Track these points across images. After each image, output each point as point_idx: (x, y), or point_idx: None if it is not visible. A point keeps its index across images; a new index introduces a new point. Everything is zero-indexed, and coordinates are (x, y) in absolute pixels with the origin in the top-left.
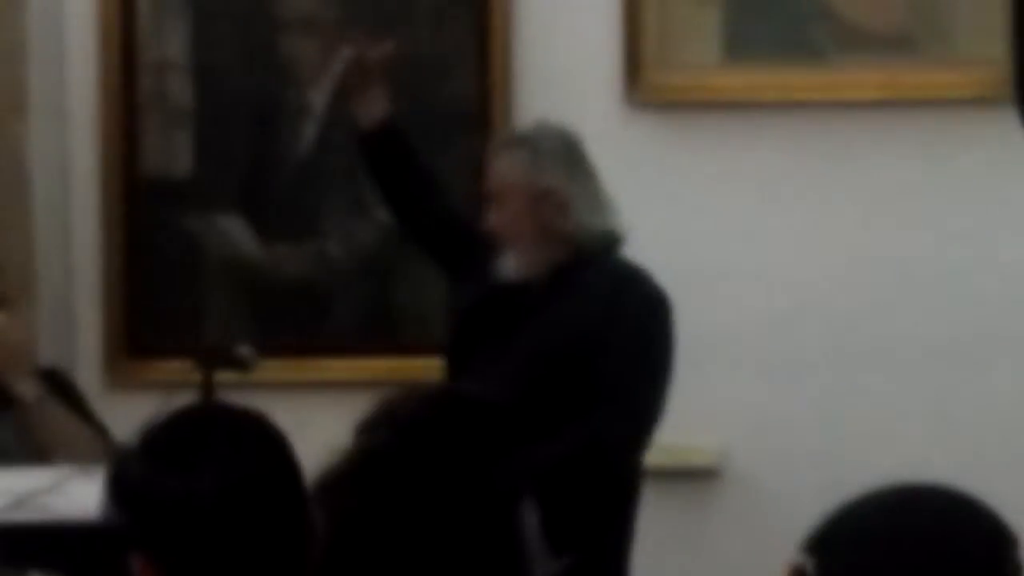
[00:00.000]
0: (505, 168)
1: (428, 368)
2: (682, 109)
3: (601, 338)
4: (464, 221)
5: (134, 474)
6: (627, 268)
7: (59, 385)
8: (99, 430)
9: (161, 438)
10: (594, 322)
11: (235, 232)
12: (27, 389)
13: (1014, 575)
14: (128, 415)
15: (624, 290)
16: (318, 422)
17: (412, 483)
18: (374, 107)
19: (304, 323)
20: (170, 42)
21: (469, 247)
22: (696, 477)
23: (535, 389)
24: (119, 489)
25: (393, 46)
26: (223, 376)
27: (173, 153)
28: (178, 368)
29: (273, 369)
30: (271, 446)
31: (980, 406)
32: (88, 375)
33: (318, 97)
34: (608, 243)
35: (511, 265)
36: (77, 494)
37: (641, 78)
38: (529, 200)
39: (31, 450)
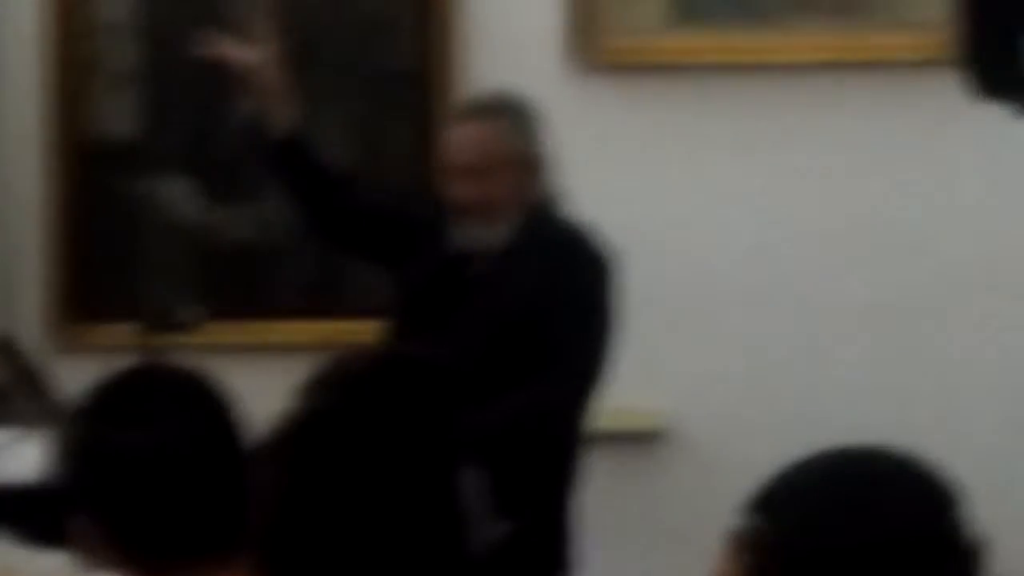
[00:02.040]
0: (490, 139)
1: (373, 331)
2: (630, 72)
3: (545, 300)
4: (390, 210)
5: (77, 433)
6: (570, 228)
7: (10, 354)
8: (45, 395)
9: (104, 398)
10: (538, 284)
11: (179, 195)
12: None
13: (955, 535)
14: (72, 379)
15: (567, 251)
16: (263, 385)
17: (355, 442)
18: (281, 117)
19: (249, 286)
20: (114, 4)
21: (401, 235)
22: (642, 440)
23: (483, 353)
24: (62, 449)
25: (274, 44)
26: (167, 339)
27: (117, 115)
28: (122, 331)
29: (217, 332)
30: (212, 406)
31: (929, 365)
32: (31, 339)
33: None
34: (553, 202)
35: (482, 235)
36: (21, 456)
37: (589, 40)
38: (520, 171)
39: None
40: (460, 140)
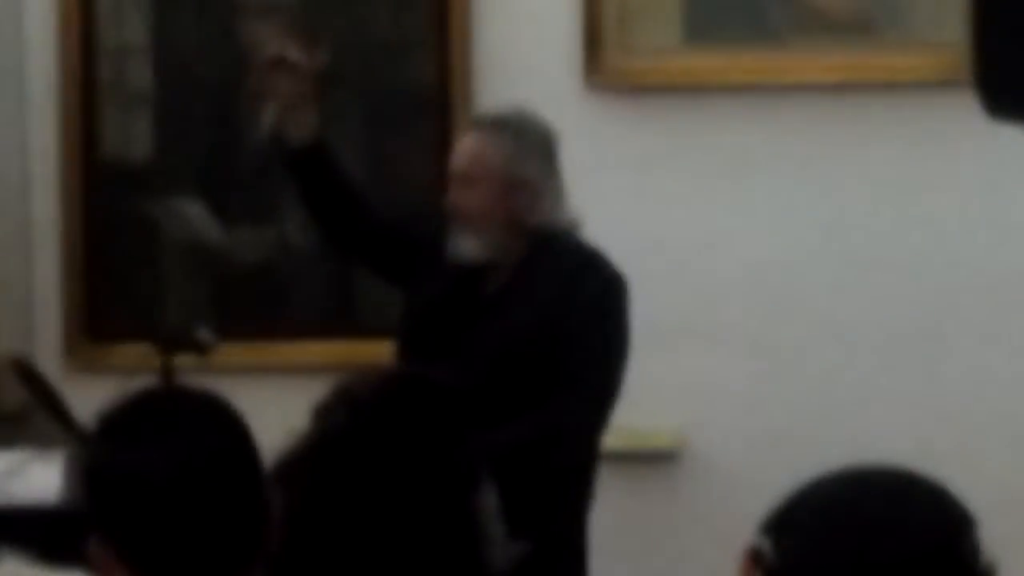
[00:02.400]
0: (484, 151)
1: (387, 352)
2: (642, 92)
3: (559, 324)
4: (399, 227)
5: (92, 454)
6: (583, 251)
7: (28, 374)
8: (63, 415)
9: (119, 419)
10: (552, 308)
11: (194, 216)
12: None
13: (971, 558)
14: (88, 399)
15: (580, 274)
16: (277, 406)
17: (369, 464)
18: (304, 125)
19: (263, 307)
20: (130, 26)
21: (409, 253)
22: (654, 460)
23: (496, 376)
24: (78, 471)
25: (324, 57)
26: (182, 360)
27: (133, 137)
28: (138, 352)
29: (232, 353)
30: (229, 427)
31: (942, 388)
32: (47, 359)
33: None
34: (565, 231)
35: (467, 246)
36: (36, 478)
37: (601, 61)
38: (504, 187)
39: None
40: (459, 147)
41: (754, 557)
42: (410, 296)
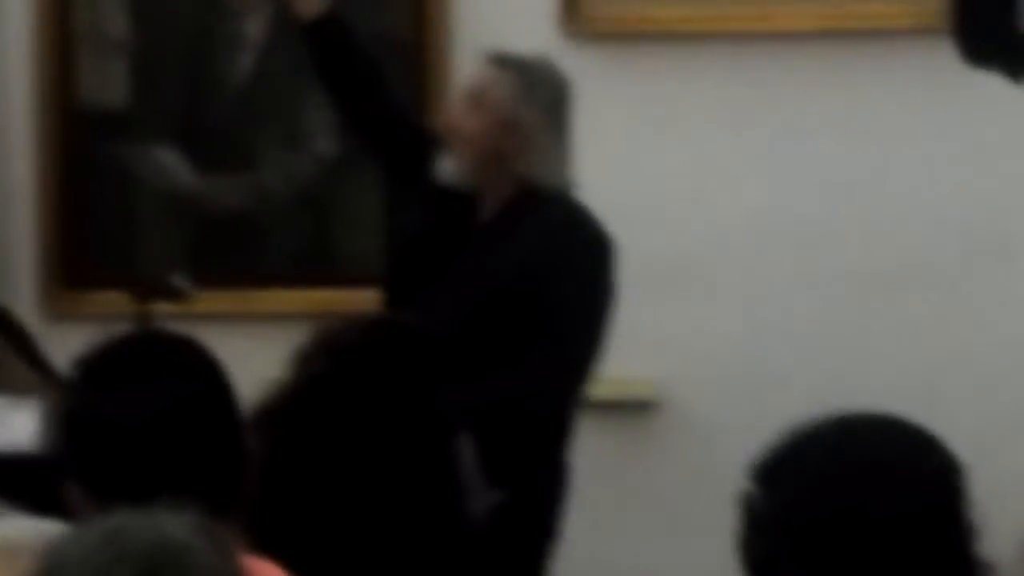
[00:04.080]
0: (492, 80)
1: (365, 300)
2: (620, 40)
3: (545, 279)
4: (410, 119)
5: (70, 400)
6: (573, 209)
7: (4, 321)
8: (39, 363)
9: (96, 364)
10: (538, 262)
11: (171, 163)
12: None
13: (958, 502)
14: (64, 347)
15: (569, 232)
16: (254, 354)
17: (349, 411)
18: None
19: (240, 255)
20: None
21: (413, 146)
22: (635, 409)
23: (476, 323)
24: (55, 416)
25: None
26: (159, 307)
27: (108, 84)
28: (114, 299)
29: (209, 301)
30: (205, 372)
31: (922, 336)
32: (24, 307)
33: (254, 27)
34: (558, 190)
35: (451, 168)
36: (11, 426)
37: (578, 9)
38: (497, 121)
39: None
40: (472, 74)
41: (739, 505)
42: (397, 215)
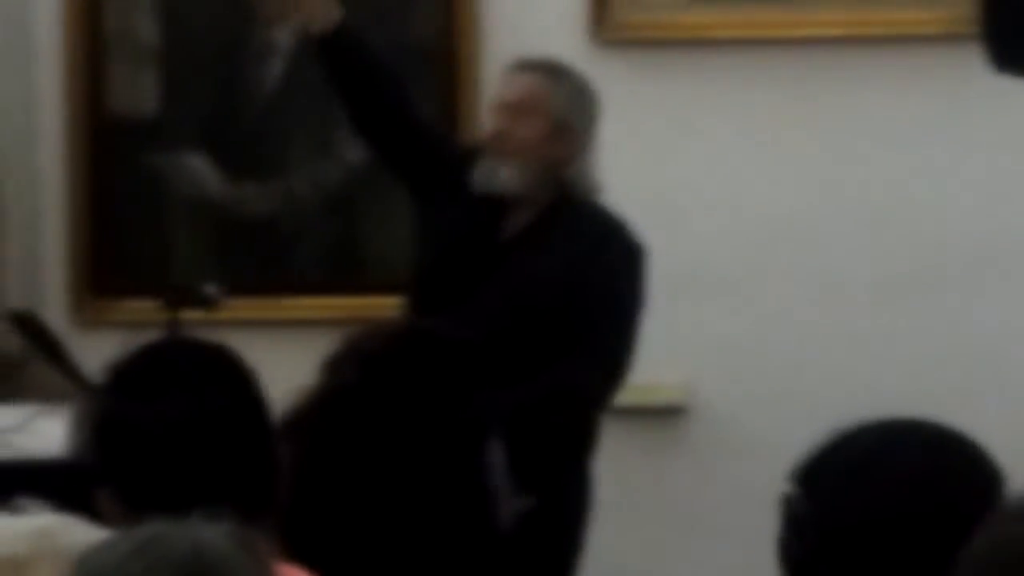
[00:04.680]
0: (545, 89)
1: (393, 306)
2: (649, 47)
3: (579, 287)
4: (433, 131)
5: (102, 407)
6: (607, 217)
7: (33, 328)
8: (71, 371)
9: (128, 371)
10: (573, 270)
11: (200, 170)
12: None
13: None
14: (94, 354)
15: (604, 239)
16: (283, 360)
17: (379, 419)
18: (324, 11)
19: (269, 262)
20: None
21: (436, 160)
22: (661, 414)
23: (512, 332)
24: (87, 424)
25: None
26: (189, 314)
27: (139, 91)
28: (144, 307)
29: (238, 308)
30: (238, 379)
31: (947, 341)
32: (54, 314)
33: (284, 34)
34: (589, 194)
35: (500, 175)
36: (44, 432)
37: (608, 16)
38: (554, 129)
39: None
40: (514, 80)
41: (782, 505)
42: (426, 227)
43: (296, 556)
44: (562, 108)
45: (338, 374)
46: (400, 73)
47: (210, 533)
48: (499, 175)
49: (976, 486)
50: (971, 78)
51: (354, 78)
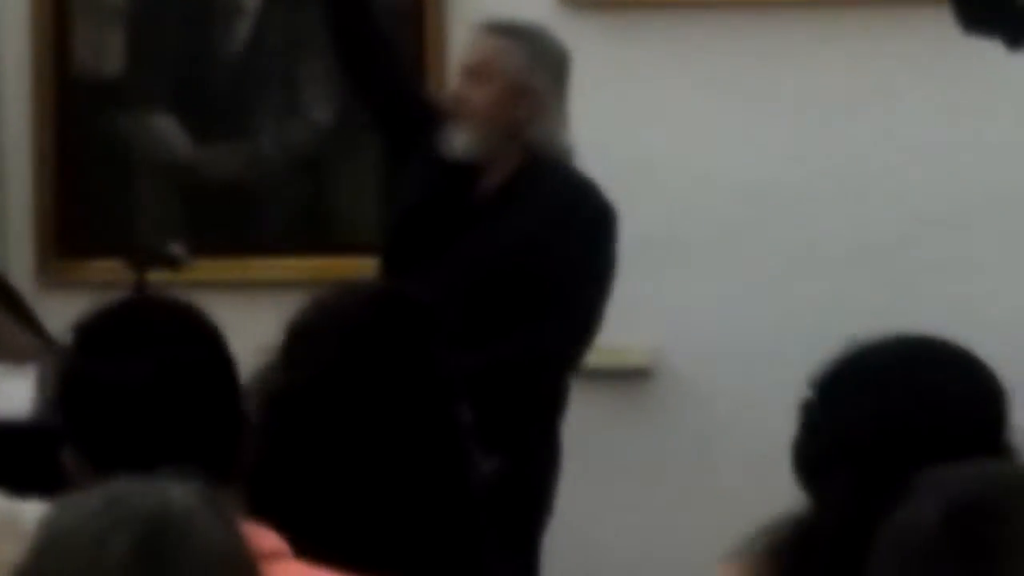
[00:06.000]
0: (501, 52)
1: (360, 267)
2: (617, 9)
3: (550, 249)
4: (414, 89)
5: (68, 366)
6: (578, 180)
7: None
8: (36, 330)
9: (94, 330)
10: (542, 233)
11: (167, 131)
12: None
13: (1001, 425)
14: (60, 315)
15: (573, 203)
16: (251, 321)
17: (361, 392)
18: None
19: (236, 223)
20: None
21: (415, 116)
22: (629, 377)
23: (483, 293)
24: (52, 382)
25: None
26: (155, 275)
27: (105, 52)
28: (110, 267)
29: (205, 268)
30: (204, 337)
31: (917, 307)
32: (20, 275)
33: None
34: (560, 157)
35: (460, 140)
36: (8, 392)
37: None
38: (510, 89)
39: None
40: (474, 44)
41: (800, 410)
42: (400, 187)
43: (265, 515)
44: (520, 70)
45: (318, 350)
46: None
47: (176, 490)
48: (457, 140)
49: (979, 400)
50: (942, 40)
51: (356, 29)
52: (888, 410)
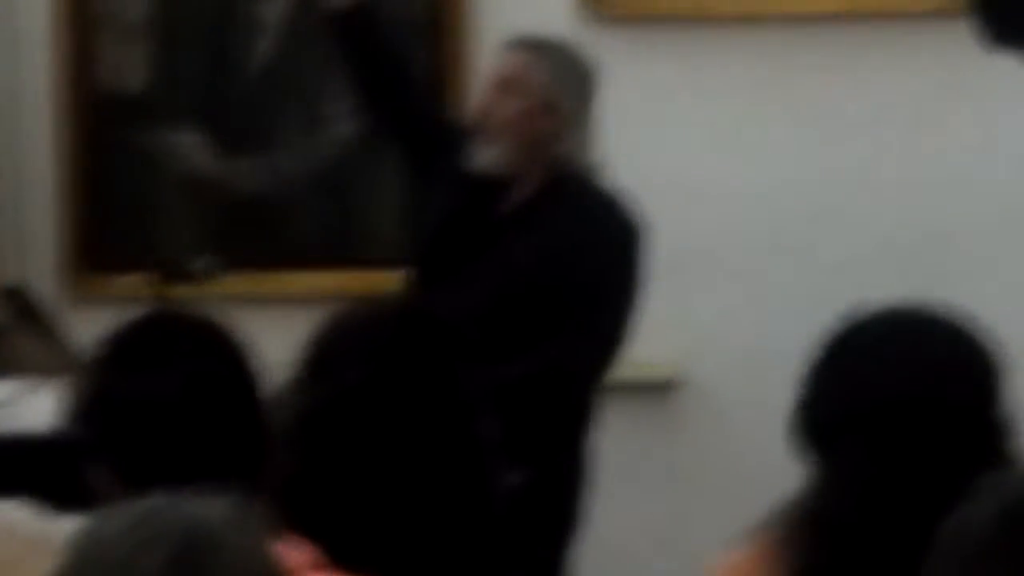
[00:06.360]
0: (525, 65)
1: (384, 281)
2: (640, 23)
3: (573, 265)
4: (432, 111)
5: (95, 381)
6: (603, 196)
7: (22, 304)
8: (60, 346)
9: (121, 344)
10: (570, 248)
11: (191, 147)
12: None
13: (994, 398)
14: (85, 330)
15: (598, 219)
16: (274, 335)
17: (383, 410)
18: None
19: (261, 237)
20: None
21: (437, 139)
22: (653, 390)
23: (509, 309)
24: (80, 398)
25: None
26: (180, 290)
27: (128, 68)
28: (135, 282)
29: (229, 283)
30: (229, 351)
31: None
32: (45, 289)
33: (274, 10)
34: (586, 173)
35: (486, 154)
36: (33, 408)
37: None
38: (536, 104)
39: None
40: (503, 58)
41: (808, 373)
42: (426, 203)
43: (293, 531)
44: (546, 85)
45: (344, 372)
46: (403, 48)
47: (206, 507)
48: (482, 154)
49: (973, 371)
50: (965, 54)
51: (367, 56)
52: (892, 377)
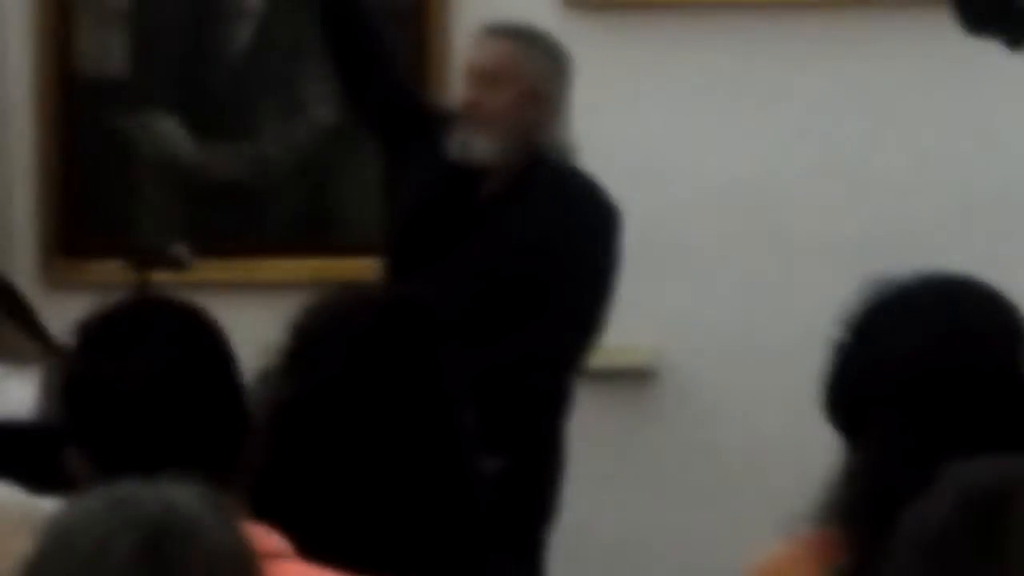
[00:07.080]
0: (517, 57)
1: (363, 268)
2: (618, 10)
3: (552, 250)
4: (411, 94)
5: (71, 367)
6: (581, 181)
7: None
8: (38, 332)
9: (97, 330)
10: (546, 234)
11: (170, 132)
12: None
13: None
14: (62, 315)
15: (577, 204)
16: (253, 322)
17: (363, 398)
18: None
19: (239, 223)
20: None
21: (412, 119)
22: (631, 377)
23: (483, 294)
24: (57, 383)
25: None
26: (158, 276)
27: (108, 52)
28: (113, 268)
29: (208, 269)
30: (207, 337)
31: None
32: (22, 275)
33: None
34: (562, 157)
35: (478, 146)
36: (11, 394)
37: None
38: (524, 94)
39: None
40: (484, 47)
41: (834, 352)
42: (400, 189)
43: (269, 519)
44: (534, 75)
45: (323, 354)
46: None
47: (180, 493)
48: (474, 146)
49: (1002, 337)
50: (938, 42)
51: (348, 35)
52: (925, 347)
